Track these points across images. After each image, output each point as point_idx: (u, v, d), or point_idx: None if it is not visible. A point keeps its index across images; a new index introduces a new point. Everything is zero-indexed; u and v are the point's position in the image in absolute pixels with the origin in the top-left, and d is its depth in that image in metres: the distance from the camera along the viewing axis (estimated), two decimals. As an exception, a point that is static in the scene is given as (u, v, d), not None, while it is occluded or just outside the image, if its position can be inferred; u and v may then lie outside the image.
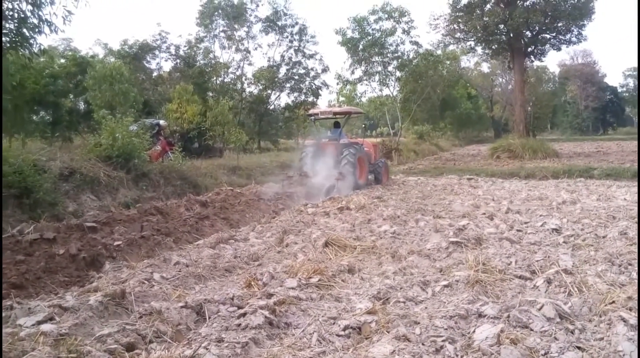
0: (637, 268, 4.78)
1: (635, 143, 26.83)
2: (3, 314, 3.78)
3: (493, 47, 28.81)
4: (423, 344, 3.27)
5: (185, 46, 27.52)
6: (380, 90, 29.75)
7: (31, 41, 7.60)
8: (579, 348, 3.18)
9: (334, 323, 3.70)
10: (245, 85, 30.41)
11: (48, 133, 19.16)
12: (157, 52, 26.58)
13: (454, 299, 4.17)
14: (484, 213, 8.38)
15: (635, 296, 3.82)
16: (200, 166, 13.44)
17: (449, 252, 5.86)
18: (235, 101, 28.29)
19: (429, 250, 5.98)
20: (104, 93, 16.18)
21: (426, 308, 4.09)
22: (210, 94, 26.59)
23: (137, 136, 10.50)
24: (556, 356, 3.07)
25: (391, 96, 30.09)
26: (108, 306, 3.93)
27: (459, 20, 27.57)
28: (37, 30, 7.55)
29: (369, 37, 26.18)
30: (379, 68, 27.63)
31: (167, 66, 27.71)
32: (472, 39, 28.82)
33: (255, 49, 29.94)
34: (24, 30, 7.41)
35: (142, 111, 19.47)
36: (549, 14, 25.55)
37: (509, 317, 3.59)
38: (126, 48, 25.11)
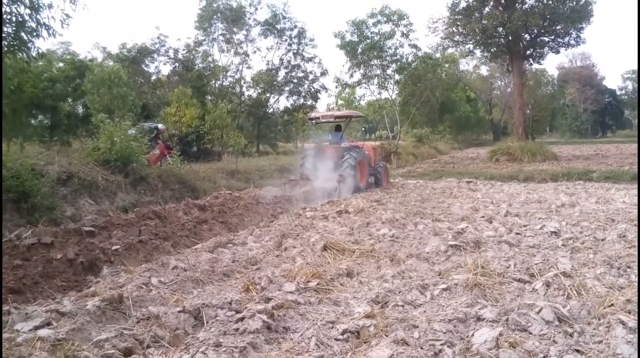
0: (636, 271, 4.77)
1: (635, 145, 26.91)
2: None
3: (492, 50, 28.88)
4: (422, 348, 3.26)
5: (184, 50, 27.61)
6: (379, 93, 29.83)
7: (29, 45, 7.58)
8: (578, 351, 3.17)
9: (332, 327, 3.69)
10: (244, 88, 30.51)
11: (46, 137, 19.14)
12: (155, 55, 26.64)
13: (453, 303, 4.16)
14: (483, 216, 8.37)
15: (635, 299, 3.81)
16: (198, 170, 13.44)
17: (448, 255, 5.85)
18: (234, 104, 28.35)
19: (427, 253, 5.97)
20: (103, 97, 16.17)
21: (425, 311, 4.08)
22: (209, 97, 26.64)
23: (135, 140, 10.50)
24: (555, 360, 3.05)
25: (390, 99, 30.15)
26: (105, 311, 3.91)
27: (458, 23, 27.65)
28: (35, 34, 7.54)
29: (368, 41, 26.24)
30: (378, 71, 27.69)
31: (165, 70, 27.80)
32: (471, 42, 28.89)
33: (254, 52, 30.09)
34: (22, 34, 7.39)
35: (141, 115, 19.48)
36: (548, 17, 25.63)
37: (507, 320, 3.58)
38: (125, 52, 25.15)
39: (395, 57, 27.06)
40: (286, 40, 29.92)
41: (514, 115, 30.64)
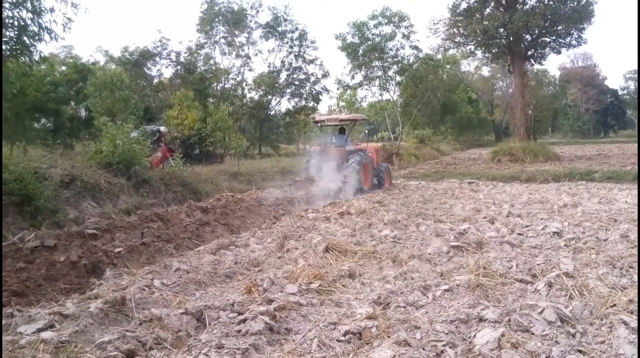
0: (638, 271, 4.76)
1: (637, 145, 26.81)
2: (4, 322, 3.78)
3: (493, 51, 28.88)
4: (424, 349, 3.26)
5: (185, 53, 27.70)
6: (381, 95, 29.87)
7: (31, 49, 7.60)
8: (580, 351, 3.16)
9: (334, 329, 3.69)
10: (246, 91, 30.58)
11: (49, 140, 19.21)
12: (157, 58, 26.74)
13: (455, 303, 4.16)
14: (485, 217, 8.36)
15: (637, 299, 3.80)
16: (200, 172, 13.46)
17: (450, 256, 5.85)
18: (236, 106, 28.40)
19: (429, 254, 5.97)
20: (105, 100, 16.23)
21: (427, 312, 4.08)
22: (211, 100, 26.70)
23: (137, 143, 10.52)
24: (557, 360, 3.05)
25: (391, 100, 30.16)
26: (108, 313, 3.92)
27: (459, 24, 27.68)
28: (37, 38, 7.56)
29: (369, 42, 26.26)
30: (379, 73, 27.71)
31: (167, 73, 27.91)
32: (472, 43, 28.90)
33: (256, 54, 30.17)
34: (25, 38, 7.42)
35: (143, 118, 19.56)
36: (549, 17, 25.62)
37: (509, 321, 3.58)
38: (127, 55, 25.23)
39: (396, 59, 27.09)
40: (287, 42, 29.98)
41: (515, 116, 30.61)
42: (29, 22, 7.47)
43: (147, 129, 14.00)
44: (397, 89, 29.04)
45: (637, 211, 8.07)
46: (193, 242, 7.37)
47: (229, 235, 8.03)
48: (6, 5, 7.24)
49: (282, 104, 32.29)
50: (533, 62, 30.33)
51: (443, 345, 3.30)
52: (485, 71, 52.14)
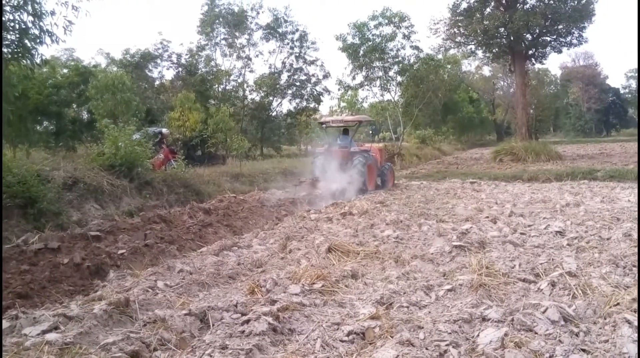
0: (638, 271, 4.76)
1: (637, 144, 26.76)
2: (8, 324, 3.80)
3: (494, 50, 28.86)
4: (427, 349, 3.26)
5: (186, 54, 27.76)
6: (382, 95, 29.82)
7: (33, 52, 7.62)
8: (583, 350, 3.17)
9: (337, 329, 3.70)
10: (247, 92, 30.59)
11: (51, 143, 19.27)
12: (159, 60, 26.81)
13: (458, 303, 4.16)
14: (487, 217, 8.36)
15: (638, 298, 3.80)
16: (203, 174, 13.48)
17: (452, 256, 5.85)
18: (237, 108, 28.44)
19: (432, 254, 5.97)
20: (107, 102, 16.27)
21: (430, 312, 4.08)
22: (212, 101, 26.74)
23: (139, 145, 10.54)
24: (561, 359, 3.05)
25: (393, 101, 30.12)
26: (112, 314, 3.94)
27: (459, 24, 27.67)
28: (38, 41, 7.58)
29: (370, 43, 26.23)
30: (380, 73, 27.68)
31: (169, 75, 27.98)
32: (473, 43, 28.88)
33: (257, 56, 30.18)
34: (26, 41, 7.44)
35: (145, 120, 19.59)
36: (549, 16, 25.59)
37: (513, 320, 3.58)
38: (128, 57, 25.31)
39: (397, 59, 27.05)
40: (288, 43, 30.01)
41: (517, 115, 30.58)
42: (30, 25, 7.49)
43: (149, 131, 14.01)
44: (398, 89, 29.01)
45: (637, 209, 8.07)
46: (196, 243, 7.39)
47: (231, 236, 8.05)
48: (7, 8, 7.27)
49: (284, 105, 32.23)
50: (534, 62, 30.33)
51: (446, 345, 3.30)
52: (486, 71, 52.17)
